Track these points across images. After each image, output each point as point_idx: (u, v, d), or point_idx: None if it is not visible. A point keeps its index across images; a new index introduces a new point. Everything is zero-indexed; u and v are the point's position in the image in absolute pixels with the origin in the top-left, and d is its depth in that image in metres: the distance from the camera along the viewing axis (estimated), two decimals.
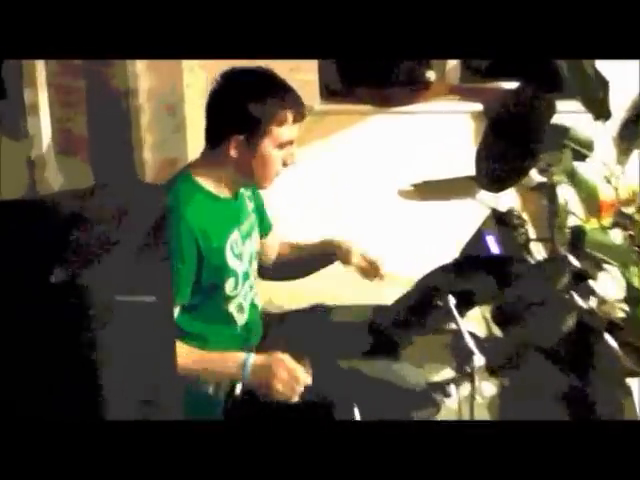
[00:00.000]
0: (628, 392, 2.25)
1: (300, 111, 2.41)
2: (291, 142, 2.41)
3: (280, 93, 2.38)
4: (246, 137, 2.36)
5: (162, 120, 3.75)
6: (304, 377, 2.22)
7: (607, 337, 2.32)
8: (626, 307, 2.63)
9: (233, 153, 2.36)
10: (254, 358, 2.26)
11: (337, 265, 2.74)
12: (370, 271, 2.69)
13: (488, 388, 2.40)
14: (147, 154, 3.76)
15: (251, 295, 2.57)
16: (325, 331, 2.65)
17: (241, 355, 2.28)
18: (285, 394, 2.21)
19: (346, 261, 2.69)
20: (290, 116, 2.38)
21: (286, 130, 2.38)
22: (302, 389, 2.22)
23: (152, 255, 1.59)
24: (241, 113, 2.34)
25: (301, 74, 3.92)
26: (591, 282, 2.50)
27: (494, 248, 2.52)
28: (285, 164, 2.42)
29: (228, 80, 2.40)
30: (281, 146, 2.39)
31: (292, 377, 2.22)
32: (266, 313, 2.69)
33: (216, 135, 2.41)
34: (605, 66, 2.55)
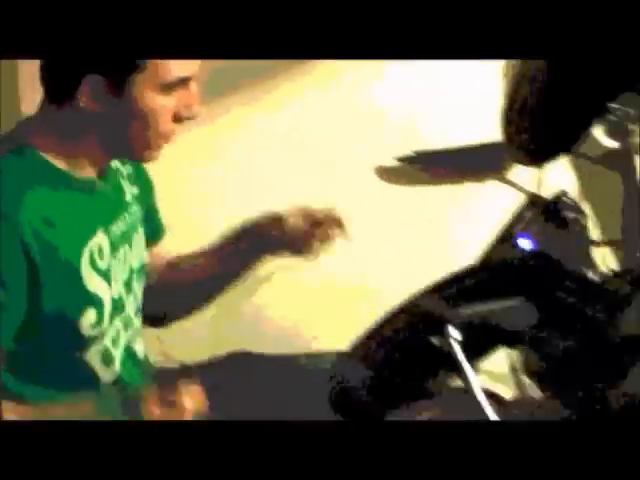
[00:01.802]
0: None
1: None
2: (186, 81, 1.62)
3: None
4: (107, 77, 1.57)
5: None
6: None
7: None
8: None
9: (87, 103, 1.58)
10: None
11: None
12: (328, 233, 1.80)
13: None
14: None
15: (127, 337, 1.78)
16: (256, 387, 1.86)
17: None
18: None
19: (290, 233, 1.81)
20: None
21: (177, 62, 1.58)
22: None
23: None
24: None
25: None
26: None
27: (532, 256, 1.70)
28: (179, 118, 1.64)
29: None
30: (169, 89, 1.60)
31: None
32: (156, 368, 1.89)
33: (60, 77, 1.61)
34: None
